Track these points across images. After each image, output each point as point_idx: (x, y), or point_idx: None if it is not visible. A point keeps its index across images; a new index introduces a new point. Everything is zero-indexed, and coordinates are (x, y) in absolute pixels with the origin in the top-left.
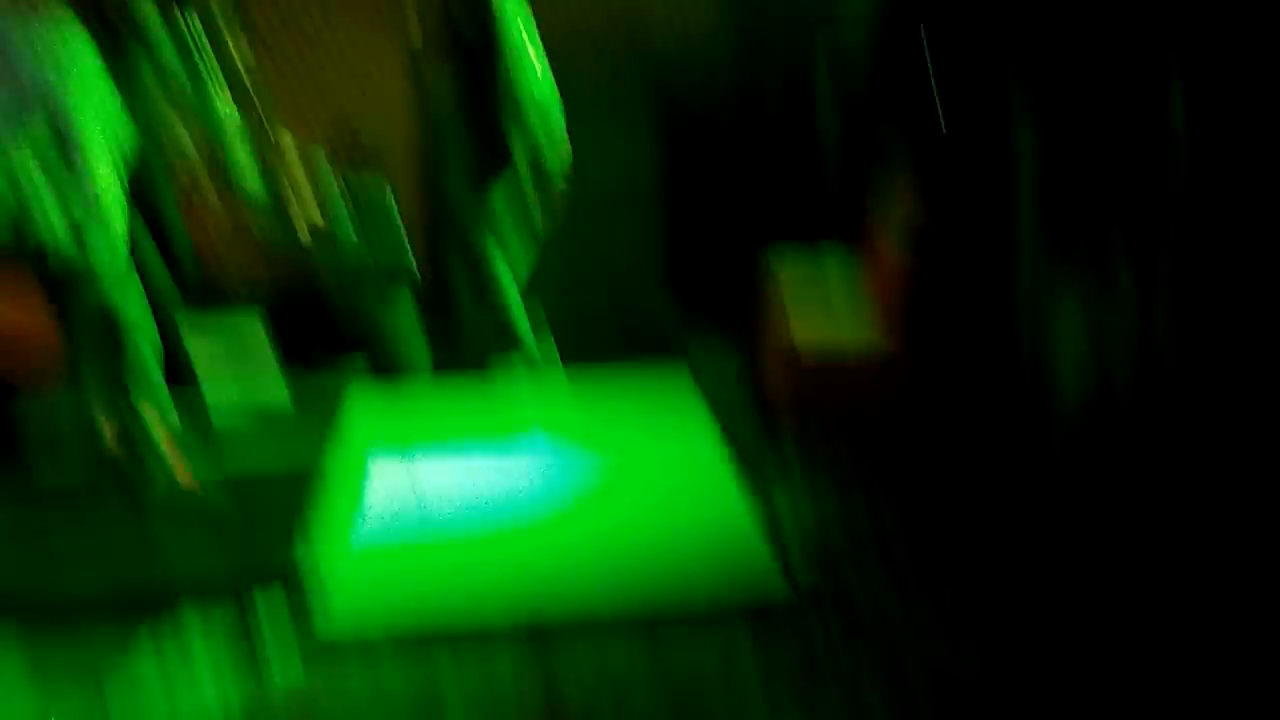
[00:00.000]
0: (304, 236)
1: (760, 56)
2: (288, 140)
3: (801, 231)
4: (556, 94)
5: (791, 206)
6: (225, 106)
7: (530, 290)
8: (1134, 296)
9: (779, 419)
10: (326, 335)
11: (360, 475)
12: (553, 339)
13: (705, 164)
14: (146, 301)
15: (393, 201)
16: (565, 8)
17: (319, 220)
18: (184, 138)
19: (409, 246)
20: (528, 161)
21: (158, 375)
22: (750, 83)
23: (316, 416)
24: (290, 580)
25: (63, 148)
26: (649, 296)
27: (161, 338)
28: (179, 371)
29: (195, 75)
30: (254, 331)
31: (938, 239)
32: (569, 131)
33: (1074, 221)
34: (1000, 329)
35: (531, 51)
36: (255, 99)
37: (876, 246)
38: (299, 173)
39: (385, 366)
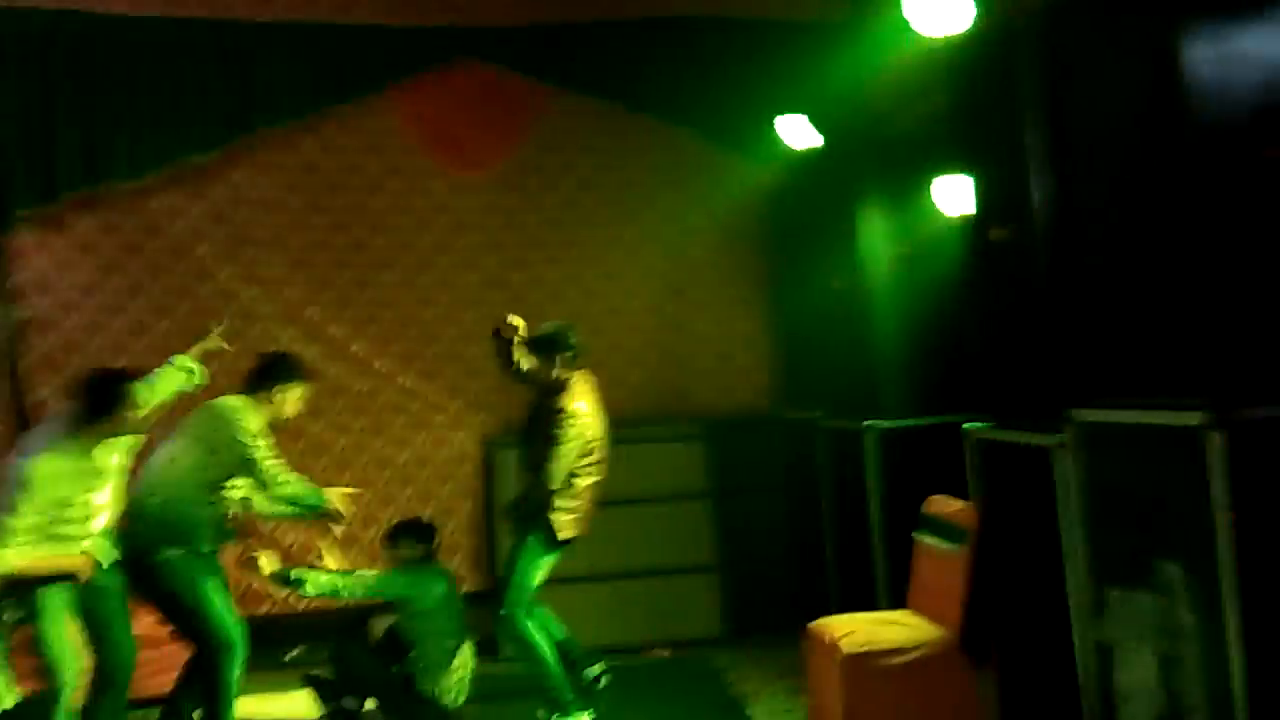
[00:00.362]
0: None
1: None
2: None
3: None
4: (603, 428)
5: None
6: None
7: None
8: (1200, 630)
9: None
10: None
11: None
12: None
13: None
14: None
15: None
16: (641, 378)
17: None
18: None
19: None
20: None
21: None
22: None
23: None
24: None
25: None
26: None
27: None
28: None
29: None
30: None
31: (994, 546)
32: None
33: (1125, 548)
34: (1053, 636)
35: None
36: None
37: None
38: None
39: None
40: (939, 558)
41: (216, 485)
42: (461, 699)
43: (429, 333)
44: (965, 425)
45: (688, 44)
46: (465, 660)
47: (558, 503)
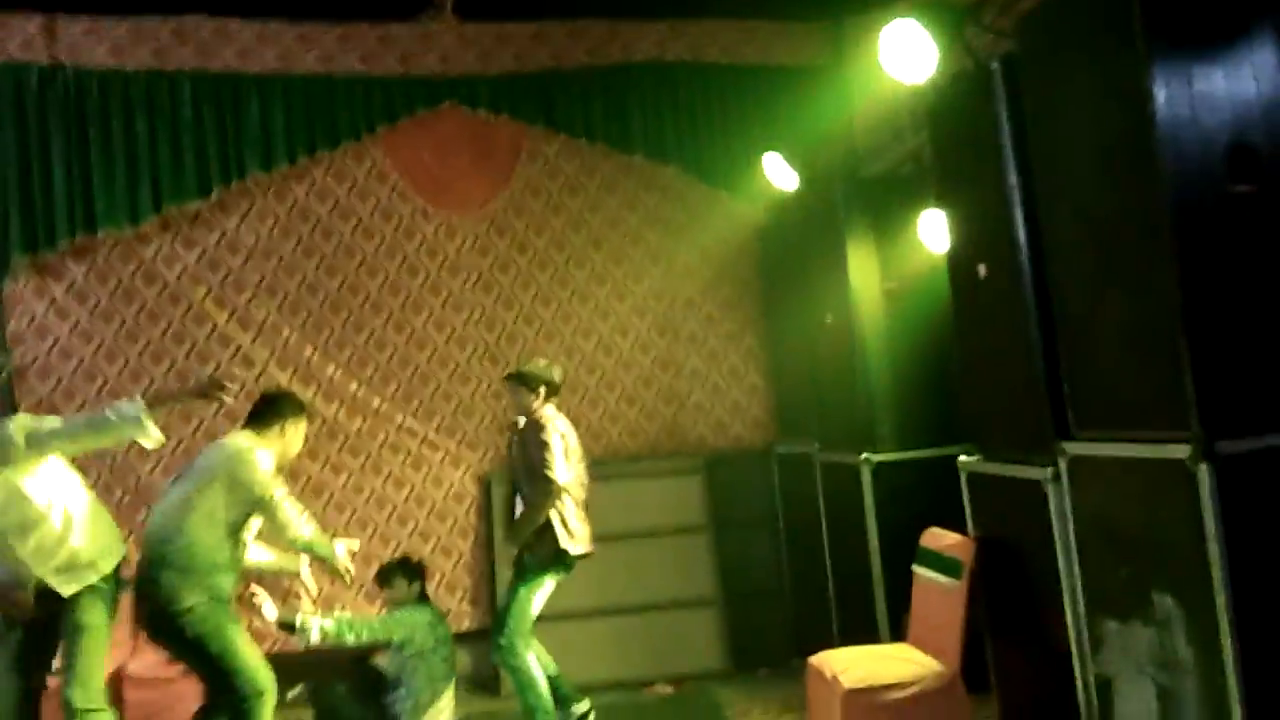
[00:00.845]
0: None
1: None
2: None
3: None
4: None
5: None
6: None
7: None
8: (1197, 662)
9: None
10: None
11: None
12: None
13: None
14: None
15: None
16: (636, 414)
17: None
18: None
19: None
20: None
21: None
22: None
23: None
24: None
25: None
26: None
27: None
28: None
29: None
30: None
31: (992, 578)
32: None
33: (1120, 580)
34: (1052, 669)
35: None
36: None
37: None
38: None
39: None
40: (937, 591)
41: (236, 526)
42: None
43: (424, 373)
44: (960, 458)
45: (671, 88)
46: (450, 700)
47: (559, 514)
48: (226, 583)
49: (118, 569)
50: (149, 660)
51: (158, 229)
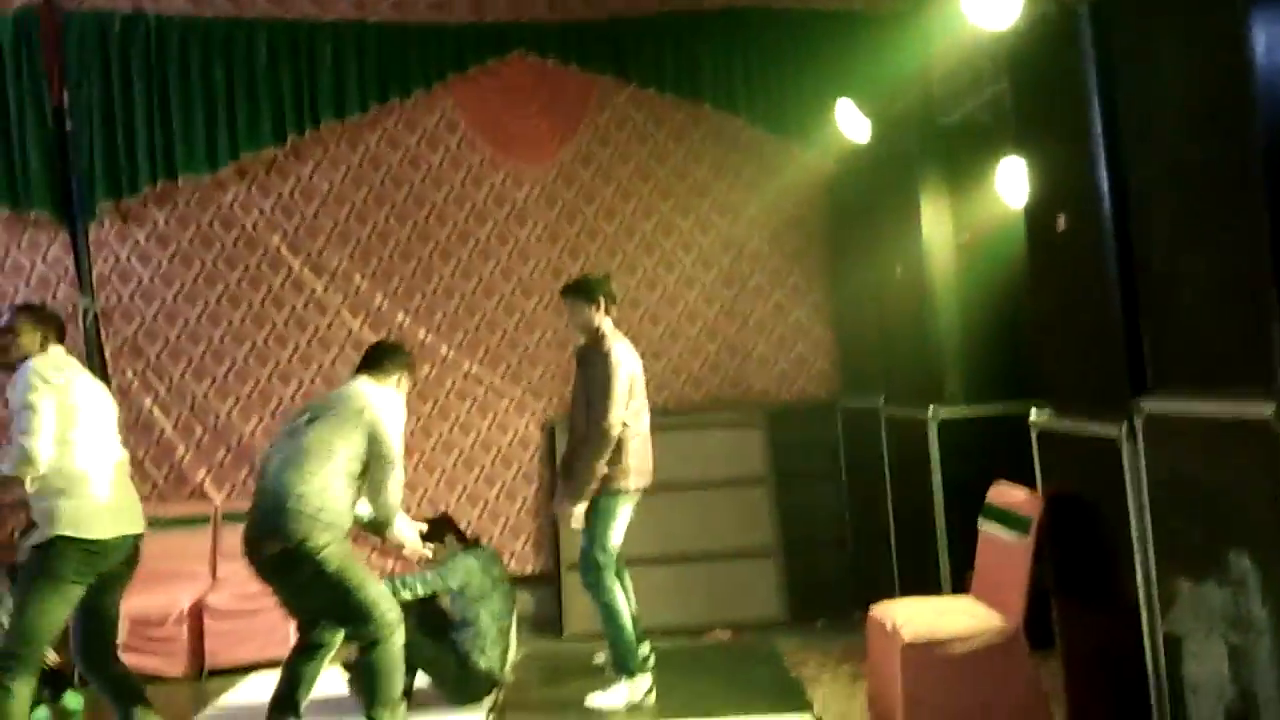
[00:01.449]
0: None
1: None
2: None
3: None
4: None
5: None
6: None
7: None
8: (1272, 623)
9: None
10: None
11: None
12: None
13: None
14: None
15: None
16: (699, 366)
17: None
18: None
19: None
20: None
21: None
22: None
23: None
24: None
25: None
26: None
27: None
28: None
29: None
30: None
31: (1060, 535)
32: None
33: (1194, 540)
34: (1120, 626)
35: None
36: None
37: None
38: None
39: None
40: (1003, 546)
41: (358, 474)
42: (506, 668)
43: (491, 320)
44: (1031, 415)
45: (743, 35)
46: (513, 635)
47: (611, 457)
48: (348, 525)
49: (125, 539)
50: (228, 593)
51: (235, 176)
